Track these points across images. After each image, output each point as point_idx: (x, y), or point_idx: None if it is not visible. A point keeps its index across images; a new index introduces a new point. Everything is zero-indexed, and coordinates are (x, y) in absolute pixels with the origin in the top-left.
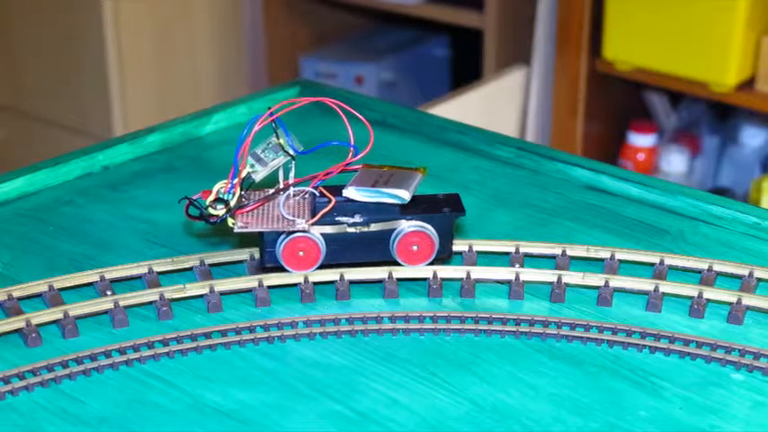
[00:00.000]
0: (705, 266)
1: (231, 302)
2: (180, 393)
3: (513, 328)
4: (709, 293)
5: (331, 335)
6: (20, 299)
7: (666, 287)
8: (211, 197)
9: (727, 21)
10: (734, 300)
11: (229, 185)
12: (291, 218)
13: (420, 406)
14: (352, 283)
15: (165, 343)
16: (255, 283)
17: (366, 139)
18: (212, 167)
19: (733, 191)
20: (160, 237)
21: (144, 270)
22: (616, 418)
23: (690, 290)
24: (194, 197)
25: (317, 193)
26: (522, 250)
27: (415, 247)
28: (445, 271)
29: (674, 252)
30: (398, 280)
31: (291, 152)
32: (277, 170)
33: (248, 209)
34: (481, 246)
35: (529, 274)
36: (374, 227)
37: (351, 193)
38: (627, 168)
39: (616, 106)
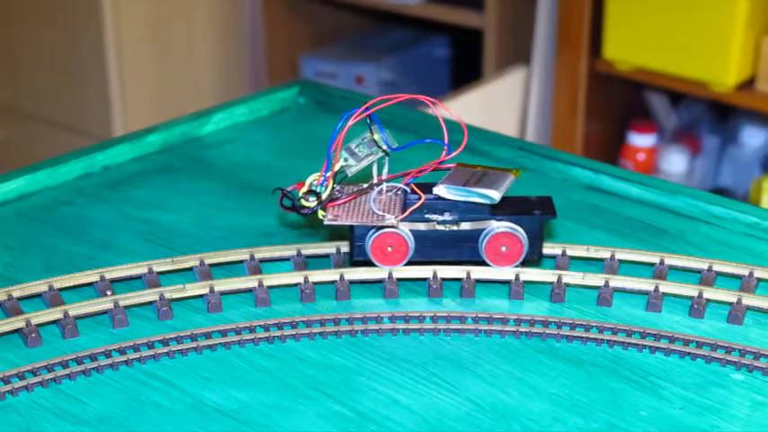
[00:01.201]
0: (705, 266)
1: (231, 302)
2: (180, 393)
3: (513, 328)
4: (709, 293)
5: (331, 335)
6: (20, 299)
7: (666, 287)
8: (304, 189)
9: (727, 21)
10: (734, 300)
11: (322, 178)
12: (381, 213)
13: (420, 406)
14: (352, 283)
15: (165, 343)
16: (255, 283)
17: (459, 140)
18: (212, 167)
19: (733, 191)
20: (160, 237)
21: (144, 270)
22: (616, 418)
23: (690, 290)
24: (288, 189)
25: (409, 190)
26: None
27: (503, 248)
28: (445, 271)
29: (674, 252)
30: (398, 280)
31: (385, 148)
32: (371, 165)
33: (339, 202)
34: None
35: (529, 274)
36: (463, 226)
37: (441, 191)
38: (627, 168)
39: (616, 106)
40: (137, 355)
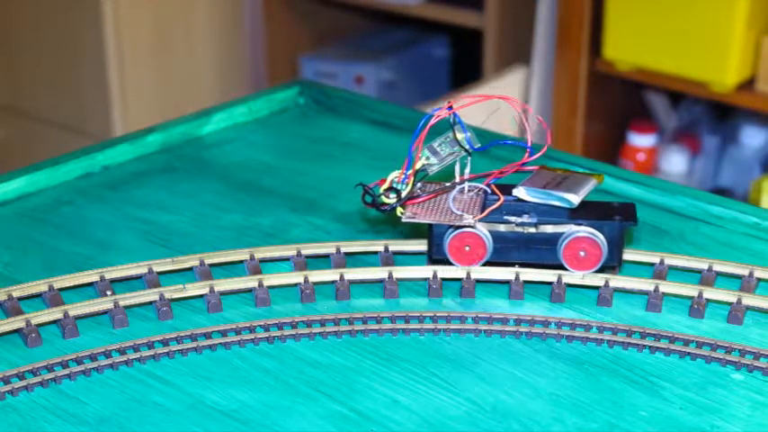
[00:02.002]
0: (705, 266)
1: (231, 302)
2: (180, 393)
3: (513, 328)
4: (709, 293)
5: (331, 335)
6: (20, 299)
7: (666, 287)
8: (385, 186)
9: (727, 21)
10: (734, 300)
11: (403, 176)
12: (459, 212)
13: (420, 406)
14: (352, 283)
15: (165, 343)
16: (255, 283)
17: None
18: (212, 167)
19: (733, 191)
20: (160, 237)
21: (144, 270)
22: (616, 418)
23: (690, 290)
24: (371, 185)
25: (489, 191)
26: None
27: (582, 253)
28: (445, 271)
29: (674, 252)
30: (398, 280)
31: (468, 148)
32: (453, 164)
33: (419, 200)
34: None
35: (529, 274)
36: (542, 228)
37: (521, 192)
38: (627, 168)
39: (616, 106)
40: (137, 355)
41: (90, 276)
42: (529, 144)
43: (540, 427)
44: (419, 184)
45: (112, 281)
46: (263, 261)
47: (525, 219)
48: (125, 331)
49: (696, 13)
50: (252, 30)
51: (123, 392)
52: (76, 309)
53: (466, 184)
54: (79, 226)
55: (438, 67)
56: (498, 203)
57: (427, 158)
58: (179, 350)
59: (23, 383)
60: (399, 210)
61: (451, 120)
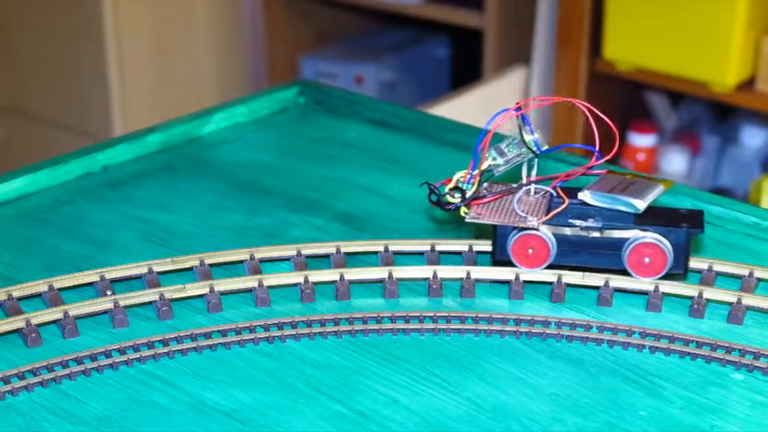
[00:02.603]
0: (705, 266)
1: (231, 302)
2: (180, 393)
3: (513, 328)
4: (709, 293)
5: (331, 335)
6: (20, 299)
7: (666, 287)
8: (450, 185)
9: (727, 21)
10: (734, 300)
11: (468, 176)
12: (523, 214)
13: (420, 406)
14: (352, 283)
15: (165, 343)
16: (255, 283)
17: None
18: (212, 167)
19: (733, 191)
20: (160, 237)
21: (144, 270)
22: (616, 418)
23: (690, 290)
24: (437, 184)
25: (555, 194)
26: None
27: (647, 259)
28: (445, 271)
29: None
30: (398, 280)
31: (535, 150)
32: (521, 166)
33: (484, 200)
34: (481, 246)
35: (529, 274)
36: (607, 233)
37: (586, 196)
38: (627, 168)
39: (616, 106)
40: (137, 355)
41: (90, 276)
42: (597, 148)
43: (540, 427)
44: (485, 185)
45: (112, 281)
46: (263, 261)
47: (590, 223)
48: (125, 331)
49: (696, 14)
50: (252, 30)
51: (123, 392)
52: (76, 309)
53: (532, 186)
54: (79, 226)
55: (438, 67)
56: (563, 206)
57: (494, 159)
58: (179, 350)
59: (23, 383)
60: (463, 209)
61: (519, 121)
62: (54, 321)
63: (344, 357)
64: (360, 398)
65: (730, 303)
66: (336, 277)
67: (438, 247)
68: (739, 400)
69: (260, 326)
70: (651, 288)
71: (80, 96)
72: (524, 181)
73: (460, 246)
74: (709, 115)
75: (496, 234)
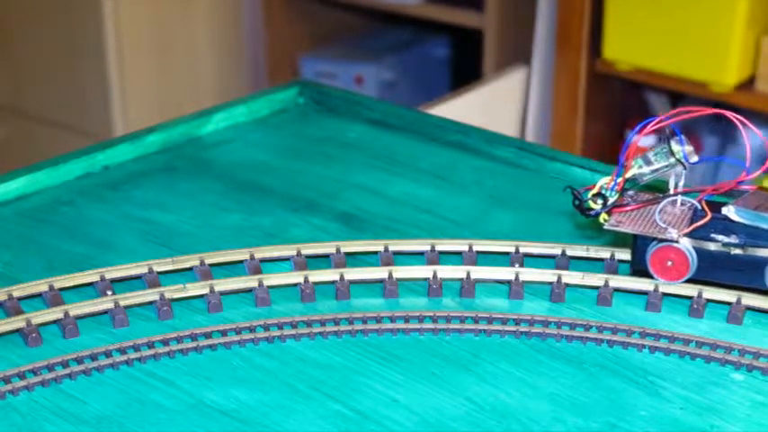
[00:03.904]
0: None
1: (231, 302)
2: (180, 393)
3: (513, 328)
4: (709, 293)
5: (331, 335)
6: (20, 299)
7: (666, 287)
8: (593, 191)
9: (727, 21)
10: (734, 300)
11: (612, 182)
12: (664, 225)
13: (420, 406)
14: (352, 283)
15: (165, 343)
16: (255, 283)
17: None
18: (212, 167)
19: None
20: (160, 237)
21: (144, 270)
22: (616, 418)
23: (690, 290)
24: (581, 190)
25: (699, 207)
26: (521, 250)
27: None
28: (445, 271)
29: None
30: (398, 280)
31: (683, 161)
32: (668, 176)
33: (626, 209)
34: (481, 246)
35: (529, 274)
36: (750, 251)
37: (730, 212)
38: None
39: (616, 106)
40: (137, 355)
41: (90, 276)
42: (747, 163)
43: (540, 427)
44: (631, 193)
45: (113, 281)
46: (263, 261)
47: (732, 239)
48: (125, 331)
49: (696, 13)
50: (252, 30)
51: (123, 392)
52: (77, 308)
53: (678, 198)
54: (79, 226)
55: (438, 67)
56: (704, 220)
57: (639, 167)
58: (179, 350)
59: (24, 383)
60: (603, 216)
61: (668, 131)
62: (54, 321)
63: (344, 357)
64: (360, 398)
65: (730, 303)
66: (336, 277)
67: (438, 247)
68: (739, 400)
69: (260, 326)
70: (651, 288)
71: (80, 96)
72: (671, 192)
73: (460, 246)
74: (710, 115)
75: (636, 244)
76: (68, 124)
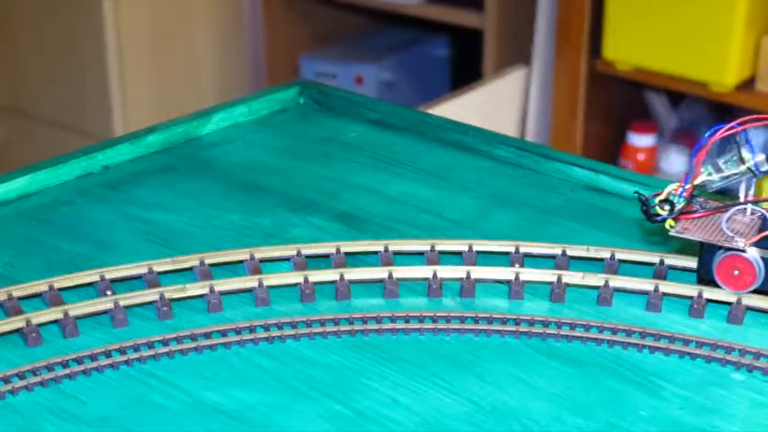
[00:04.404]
0: None
1: (231, 302)
2: (180, 393)
3: (513, 328)
4: (709, 293)
5: (331, 335)
6: (20, 299)
7: (666, 287)
8: (661, 197)
9: (727, 21)
10: (734, 300)
11: (680, 189)
12: (731, 234)
13: (420, 406)
14: (352, 283)
15: (165, 343)
16: (255, 283)
17: None
18: (212, 167)
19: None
20: (160, 237)
21: (144, 270)
22: (616, 418)
23: (690, 290)
24: (649, 196)
25: None
26: (522, 250)
27: None
28: (445, 271)
29: (675, 252)
30: (398, 280)
31: (754, 170)
32: (738, 184)
33: (694, 216)
34: (481, 246)
35: (529, 274)
36: None
37: None
38: (627, 168)
39: (616, 106)
40: (137, 355)
41: (90, 276)
42: None
43: (540, 427)
44: (700, 200)
45: (112, 281)
46: (263, 261)
47: None
48: (125, 331)
49: (696, 14)
50: (252, 30)
51: (123, 392)
52: (77, 309)
53: (748, 206)
54: (79, 226)
55: (438, 67)
56: None
57: (709, 174)
58: (179, 350)
59: (24, 383)
60: (670, 222)
61: (739, 139)
62: (54, 321)
63: (344, 357)
64: (360, 398)
65: (730, 303)
66: (336, 277)
67: (438, 247)
68: (739, 400)
69: (260, 326)
70: (651, 288)
71: (80, 96)
72: (742, 200)
73: (460, 246)
74: (709, 115)
75: (703, 251)
76: (68, 124)
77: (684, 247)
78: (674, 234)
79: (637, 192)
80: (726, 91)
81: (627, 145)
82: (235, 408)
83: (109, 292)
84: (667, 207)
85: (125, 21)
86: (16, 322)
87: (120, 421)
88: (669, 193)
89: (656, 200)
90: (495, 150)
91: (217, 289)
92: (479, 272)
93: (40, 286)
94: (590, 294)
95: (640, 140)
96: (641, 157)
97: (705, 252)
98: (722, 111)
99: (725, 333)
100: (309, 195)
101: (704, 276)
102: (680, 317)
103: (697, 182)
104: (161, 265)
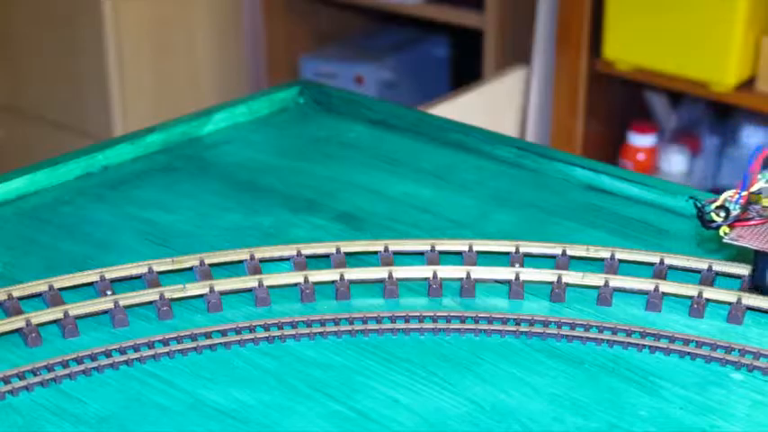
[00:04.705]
0: (705, 266)
1: (231, 302)
2: (180, 393)
3: (513, 328)
4: (709, 293)
5: (331, 335)
6: (20, 299)
7: (666, 287)
8: (716, 203)
9: (727, 21)
10: (734, 300)
11: (737, 196)
12: None
13: (420, 406)
14: (352, 283)
15: (165, 343)
16: (255, 283)
17: None
18: (212, 167)
19: None
20: (160, 237)
21: (144, 270)
22: (616, 418)
23: (690, 290)
24: (705, 202)
25: None
26: (522, 250)
27: None
28: (445, 271)
29: (674, 252)
30: (398, 280)
31: None
32: None
33: (750, 223)
34: (481, 246)
35: (529, 274)
36: None
37: None
38: (627, 168)
39: (616, 106)
40: (137, 355)
41: (90, 276)
42: None
43: (540, 427)
44: (758, 207)
45: (112, 281)
46: (263, 261)
47: None
48: (125, 331)
49: (696, 14)
50: (252, 30)
51: (123, 392)
52: (76, 308)
53: None
54: (79, 226)
55: (438, 67)
56: None
57: (766, 181)
58: (179, 350)
59: (24, 383)
60: (724, 229)
61: None
62: (54, 321)
63: (344, 357)
64: (360, 398)
65: (730, 303)
66: (336, 277)
67: (438, 247)
68: (739, 400)
69: (260, 326)
70: (651, 288)
71: (80, 96)
72: None
73: (460, 246)
74: (709, 115)
75: (757, 258)
76: (68, 124)
77: (684, 248)
78: (728, 241)
79: (692, 197)
80: (726, 91)
81: (627, 145)
82: (235, 408)
83: (109, 292)
84: (723, 214)
85: (125, 21)
86: (16, 322)
87: (120, 421)
88: (725, 200)
89: (712, 206)
90: (495, 150)
91: (217, 289)
92: (479, 272)
93: (40, 286)
94: (590, 294)
95: (640, 140)
96: (641, 157)
97: (759, 259)
98: (722, 111)
99: (725, 333)
100: (309, 195)
101: (758, 283)
102: (680, 317)
103: (753, 189)
104: (161, 265)
